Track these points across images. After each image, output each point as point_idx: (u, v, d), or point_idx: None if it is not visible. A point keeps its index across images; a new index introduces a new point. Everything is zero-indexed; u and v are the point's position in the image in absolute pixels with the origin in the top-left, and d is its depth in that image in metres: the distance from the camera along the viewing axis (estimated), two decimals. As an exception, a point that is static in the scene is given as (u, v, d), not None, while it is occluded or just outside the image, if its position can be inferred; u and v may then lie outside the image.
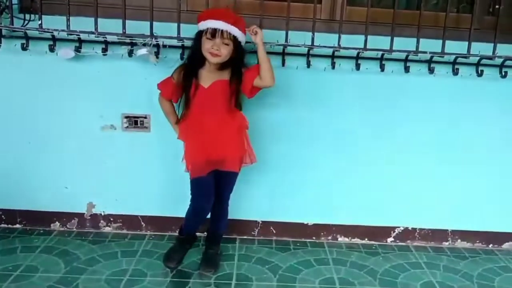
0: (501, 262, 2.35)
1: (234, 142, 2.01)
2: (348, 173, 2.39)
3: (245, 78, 1.95)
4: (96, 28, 2.02)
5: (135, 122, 2.31)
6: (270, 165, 2.34)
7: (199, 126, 1.98)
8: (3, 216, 2.41)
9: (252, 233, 2.46)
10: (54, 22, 2.03)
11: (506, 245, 2.51)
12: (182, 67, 2.01)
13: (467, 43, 2.13)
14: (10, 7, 2.03)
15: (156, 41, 2.06)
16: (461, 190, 2.43)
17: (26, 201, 2.39)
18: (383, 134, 2.35)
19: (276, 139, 2.33)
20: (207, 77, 1.96)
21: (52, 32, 2.03)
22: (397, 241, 2.48)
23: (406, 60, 2.23)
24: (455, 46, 2.14)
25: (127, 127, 2.31)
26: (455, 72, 2.25)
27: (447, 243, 2.50)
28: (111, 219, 2.43)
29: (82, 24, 2.03)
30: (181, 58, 2.13)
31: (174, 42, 2.07)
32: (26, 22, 2.11)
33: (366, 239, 2.48)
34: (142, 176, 2.36)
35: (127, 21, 2.02)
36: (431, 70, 2.25)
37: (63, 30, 2.02)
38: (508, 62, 2.22)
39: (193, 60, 1.97)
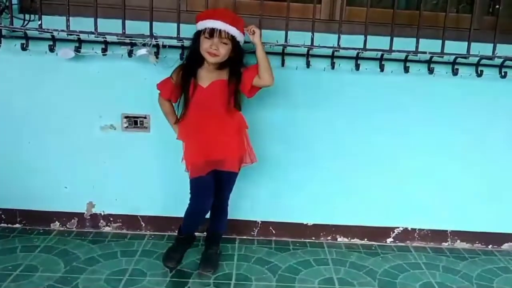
0: (500, 263, 2.35)
1: (234, 142, 2.01)
2: (348, 173, 2.39)
3: (244, 78, 1.96)
4: (96, 28, 2.03)
5: (135, 122, 2.31)
6: (269, 165, 2.34)
7: (198, 126, 1.98)
8: (3, 216, 2.41)
9: (252, 233, 2.46)
10: (54, 22, 2.04)
11: (505, 246, 2.50)
12: (181, 67, 2.01)
13: (466, 43, 2.12)
14: (10, 7, 2.04)
15: (155, 41, 2.06)
16: (461, 191, 2.43)
17: (26, 201, 2.39)
18: (382, 135, 2.35)
19: (276, 139, 2.33)
20: (206, 77, 1.96)
21: (52, 32, 2.04)
22: (397, 241, 2.48)
23: (405, 60, 2.23)
24: (454, 46, 2.13)
25: (127, 127, 2.32)
26: (455, 72, 2.25)
27: (446, 244, 2.50)
28: (111, 219, 2.43)
29: (82, 24, 2.03)
30: (181, 58, 2.13)
31: (174, 42, 2.07)
32: (26, 22, 2.12)
33: (366, 239, 2.48)
34: (142, 176, 2.37)
35: (126, 21, 2.02)
36: (430, 70, 2.25)
37: (63, 30, 2.03)
38: (507, 62, 2.22)
39: (192, 60, 1.97)
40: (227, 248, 2.32)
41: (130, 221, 2.43)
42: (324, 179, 2.39)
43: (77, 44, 2.14)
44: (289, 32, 2.08)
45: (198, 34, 1.91)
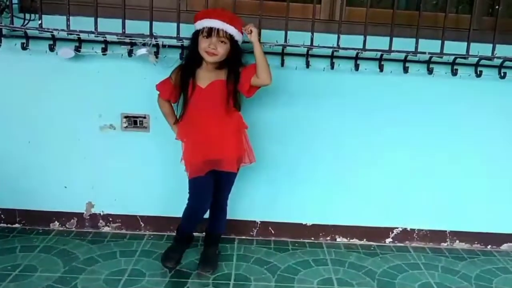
0: (499, 263, 2.35)
1: (232, 142, 2.00)
2: (347, 174, 2.39)
3: (242, 77, 1.95)
4: (96, 28, 2.03)
5: (135, 122, 2.31)
6: (269, 165, 2.34)
7: (197, 126, 1.98)
8: (2, 216, 2.41)
9: (251, 233, 2.46)
10: (54, 22, 2.04)
11: (504, 246, 2.50)
12: (179, 67, 2.02)
13: (466, 43, 2.13)
14: (10, 6, 2.04)
15: (155, 41, 2.06)
16: (460, 191, 2.43)
17: (25, 201, 2.39)
18: (382, 135, 2.35)
19: (275, 139, 2.33)
20: (205, 77, 1.96)
21: (52, 32, 2.04)
22: (396, 241, 2.48)
23: (405, 60, 2.23)
24: (454, 47, 2.14)
25: (127, 127, 2.32)
26: (454, 73, 2.25)
27: (445, 244, 2.50)
28: (110, 219, 2.43)
29: (82, 23, 2.04)
30: (181, 58, 2.13)
31: (174, 42, 2.07)
32: (26, 21, 2.12)
33: (365, 239, 2.48)
34: (141, 176, 2.37)
35: (126, 21, 2.03)
36: (430, 71, 2.25)
37: (63, 30, 2.03)
38: (507, 63, 2.22)
39: (190, 60, 1.98)
40: (226, 248, 2.32)
41: (129, 221, 2.43)
42: (323, 179, 2.39)
43: (77, 44, 2.14)
44: (288, 32, 2.08)
45: (197, 34, 1.92)
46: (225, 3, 2.19)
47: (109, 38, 2.09)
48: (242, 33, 1.93)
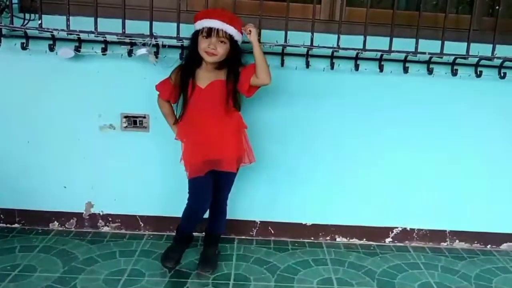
0: (499, 263, 2.35)
1: (232, 142, 2.00)
2: (347, 174, 2.39)
3: (241, 77, 1.95)
4: (95, 28, 2.03)
5: (134, 121, 2.31)
6: (268, 165, 2.34)
7: (196, 126, 1.98)
8: (1, 216, 2.41)
9: (250, 233, 2.46)
10: (54, 22, 2.04)
11: (504, 246, 2.51)
12: (179, 67, 2.01)
13: (466, 44, 2.13)
14: (10, 6, 2.04)
15: (155, 41, 2.06)
16: (460, 191, 2.43)
17: (24, 201, 2.39)
18: (382, 135, 2.35)
19: (275, 139, 2.33)
20: (204, 77, 1.96)
21: (52, 32, 2.04)
22: (395, 241, 2.48)
23: (405, 60, 2.23)
24: (454, 47, 2.14)
25: (126, 126, 2.31)
26: (454, 73, 2.25)
27: (445, 244, 2.50)
28: (110, 219, 2.43)
29: (82, 23, 2.03)
30: (181, 58, 2.13)
31: (174, 42, 2.07)
32: (26, 21, 2.11)
33: (364, 239, 2.48)
34: (141, 176, 2.36)
35: (126, 21, 2.02)
36: (430, 71, 2.25)
37: (63, 30, 2.03)
38: (507, 63, 2.22)
39: (190, 60, 1.97)
40: (226, 248, 2.32)
41: (128, 221, 2.43)
42: (323, 179, 2.40)
43: (77, 44, 2.14)
44: (288, 32, 2.08)
45: (196, 34, 1.91)
46: (225, 3, 2.19)
47: (109, 38, 2.09)
48: (241, 33, 1.93)
